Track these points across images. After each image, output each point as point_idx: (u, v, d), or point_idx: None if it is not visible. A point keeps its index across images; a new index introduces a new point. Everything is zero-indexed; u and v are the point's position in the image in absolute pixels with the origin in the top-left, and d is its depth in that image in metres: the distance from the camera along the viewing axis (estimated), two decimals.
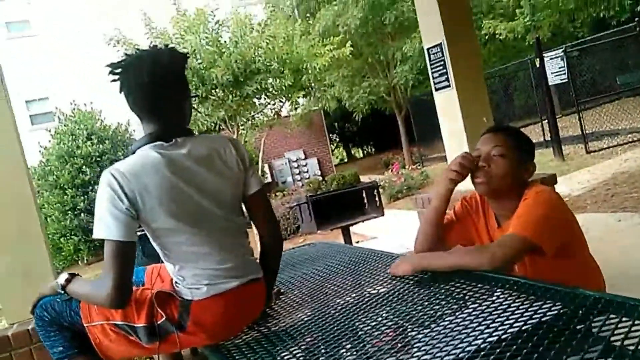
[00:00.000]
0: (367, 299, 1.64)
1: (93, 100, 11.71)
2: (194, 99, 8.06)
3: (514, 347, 1.07)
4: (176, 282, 1.63)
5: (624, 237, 4.40)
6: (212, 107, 8.39)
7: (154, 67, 1.59)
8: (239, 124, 9.21)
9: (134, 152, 1.61)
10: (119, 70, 1.61)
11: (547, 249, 1.51)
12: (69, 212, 11.37)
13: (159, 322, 1.62)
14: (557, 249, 1.54)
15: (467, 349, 1.12)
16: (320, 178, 16.23)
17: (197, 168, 1.61)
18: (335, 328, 1.46)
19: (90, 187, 11.41)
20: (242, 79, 8.18)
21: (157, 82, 1.58)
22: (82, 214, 10.96)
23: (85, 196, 11.17)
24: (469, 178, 1.73)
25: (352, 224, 4.40)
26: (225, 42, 8.48)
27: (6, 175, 2.57)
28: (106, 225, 1.50)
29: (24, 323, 2.46)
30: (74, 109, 11.81)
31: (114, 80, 1.62)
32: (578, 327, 1.12)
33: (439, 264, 1.62)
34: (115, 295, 1.52)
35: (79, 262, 12.98)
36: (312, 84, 9.27)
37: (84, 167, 11.34)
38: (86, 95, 12.16)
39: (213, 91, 8.20)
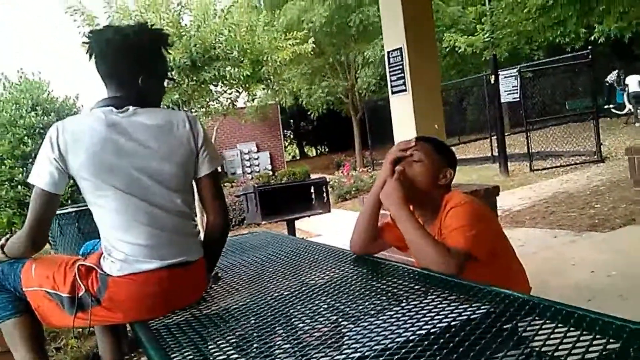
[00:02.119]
0: (304, 290, 1.64)
1: (42, 70, 11.25)
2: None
3: (441, 340, 1.09)
4: (103, 256, 1.62)
5: (557, 252, 4.59)
6: (166, 89, 8.20)
7: (115, 35, 1.65)
8: (192, 110, 9.04)
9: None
10: (90, 36, 1.70)
11: (477, 253, 1.57)
12: (6, 183, 10.88)
13: (79, 294, 1.61)
14: (486, 254, 1.60)
15: (397, 339, 1.14)
16: (271, 172, 16.17)
17: (142, 137, 1.62)
18: (270, 315, 1.45)
19: (31, 160, 10.96)
20: (200, 64, 8.03)
21: (116, 51, 1.65)
22: (19, 186, 10.47)
23: (24, 168, 10.69)
24: None
25: (297, 218, 4.40)
26: (186, 25, 8.31)
27: None
28: (37, 172, 1.58)
29: None
30: (20, 77, 11.28)
31: (86, 43, 1.69)
32: (505, 326, 1.16)
33: (410, 232, 1.62)
34: (27, 239, 1.63)
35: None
36: (271, 77, 9.19)
37: (25, 138, 10.88)
38: (35, 63, 11.71)
39: (169, 73, 8.01)
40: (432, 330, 1.16)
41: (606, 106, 14.49)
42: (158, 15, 8.03)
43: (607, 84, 14.83)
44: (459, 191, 1.83)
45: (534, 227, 5.75)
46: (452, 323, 1.18)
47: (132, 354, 3.25)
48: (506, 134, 11.48)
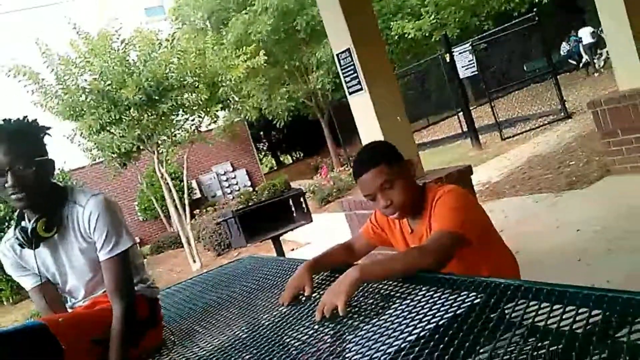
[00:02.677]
0: (294, 312, 1.63)
1: None
2: (109, 122, 7.81)
3: (432, 342, 1.10)
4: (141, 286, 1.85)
5: (540, 217, 4.65)
6: (127, 127, 8.12)
7: None
8: (158, 143, 8.97)
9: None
10: None
11: (470, 236, 1.57)
12: None
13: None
14: (477, 237, 1.61)
15: (388, 350, 1.14)
16: (251, 189, 16.13)
17: None
18: (263, 345, 1.45)
19: (6, 224, 10.77)
20: (155, 97, 7.98)
21: None
22: None
23: (1, 233, 10.50)
24: None
25: (281, 234, 4.40)
26: (133, 60, 8.25)
27: None
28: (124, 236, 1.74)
29: None
30: None
31: None
32: (491, 315, 1.16)
33: (386, 274, 1.53)
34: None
35: (4, 302, 12.23)
36: (230, 96, 9.17)
37: None
38: None
39: (126, 112, 7.94)
40: (421, 334, 1.16)
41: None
42: (101, 57, 7.95)
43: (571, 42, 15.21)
44: (441, 184, 1.83)
45: (514, 196, 5.82)
46: (440, 322, 1.19)
47: None
48: (472, 107, 11.61)
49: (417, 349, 1.10)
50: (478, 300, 1.25)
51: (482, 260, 1.67)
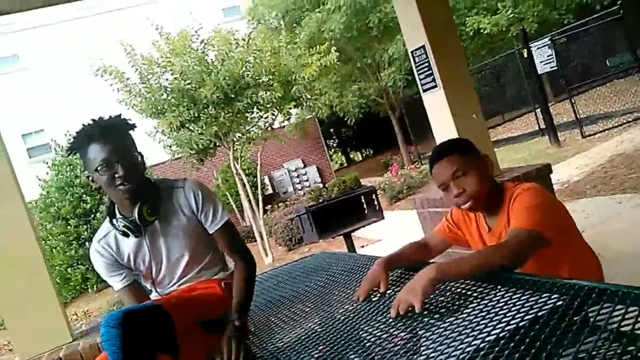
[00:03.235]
0: (370, 307, 1.65)
1: None
2: (188, 120, 8.13)
3: (512, 344, 1.09)
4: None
5: (624, 218, 4.42)
6: (205, 125, 8.41)
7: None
8: (234, 140, 9.23)
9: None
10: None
11: (549, 235, 1.53)
12: (73, 242, 11.37)
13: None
14: (557, 236, 1.56)
15: (467, 349, 1.14)
16: (321, 185, 16.25)
17: None
18: (339, 340, 1.48)
19: (92, 216, 11.39)
20: (232, 95, 8.22)
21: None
22: (86, 243, 10.92)
23: (88, 225, 11.14)
24: None
25: (353, 230, 4.42)
26: (212, 60, 8.53)
27: (6, 214, 2.58)
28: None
29: (35, 359, 2.47)
30: (69, 140, 11.77)
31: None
32: (574, 318, 1.14)
33: (463, 273, 1.50)
34: None
35: (89, 290, 12.97)
36: (302, 94, 9.30)
37: (84, 196, 11.35)
38: (79, 124, 12.13)
39: (204, 110, 8.23)
40: (501, 335, 1.15)
41: None
42: (182, 57, 8.26)
43: None
44: (520, 182, 1.78)
45: (596, 196, 5.56)
46: (520, 324, 1.18)
47: None
48: (550, 104, 11.16)
49: (497, 349, 1.09)
50: (560, 302, 1.22)
51: (562, 261, 1.62)
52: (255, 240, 9.69)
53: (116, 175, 1.69)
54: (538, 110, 11.11)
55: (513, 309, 1.27)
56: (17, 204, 2.61)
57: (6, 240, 2.57)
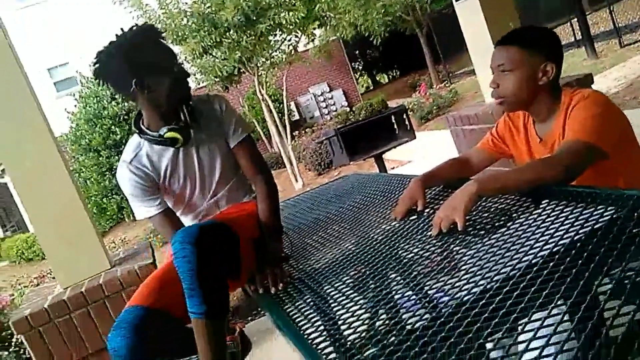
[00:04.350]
0: (407, 226, 1.60)
1: None
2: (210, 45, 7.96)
3: (568, 258, 1.02)
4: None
5: None
6: (227, 50, 8.23)
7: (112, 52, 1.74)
8: (258, 65, 9.05)
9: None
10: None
11: (607, 149, 1.42)
12: (107, 172, 11.57)
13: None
14: (615, 148, 1.45)
15: (518, 265, 1.07)
16: (348, 109, 16.05)
17: None
18: (377, 259, 1.43)
19: (123, 146, 11.51)
20: (253, 17, 7.96)
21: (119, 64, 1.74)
22: None
23: (119, 155, 11.26)
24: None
25: (384, 151, 4.33)
26: None
27: (36, 149, 2.57)
28: None
29: (76, 286, 2.53)
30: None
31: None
32: (634, 230, 1.05)
33: (508, 187, 1.42)
34: None
35: (125, 219, 13.36)
36: (326, 13, 8.95)
37: (113, 127, 11.43)
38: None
39: (226, 34, 8.02)
40: (555, 250, 1.08)
41: None
42: None
43: None
44: (579, 88, 1.62)
45: (636, 108, 5.32)
46: (576, 237, 1.10)
47: None
48: (586, 13, 10.56)
49: (551, 264, 1.02)
50: (619, 214, 1.13)
51: (618, 172, 1.50)
52: (285, 167, 9.72)
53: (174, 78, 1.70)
54: (574, 21, 10.55)
55: (566, 222, 1.19)
56: (46, 139, 2.59)
57: (39, 174, 2.57)
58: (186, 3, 8.14)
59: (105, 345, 2.39)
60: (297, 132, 13.66)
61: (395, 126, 4.37)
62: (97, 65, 1.71)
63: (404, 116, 4.34)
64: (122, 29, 1.71)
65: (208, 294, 1.41)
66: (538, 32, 1.67)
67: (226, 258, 1.51)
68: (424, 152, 7.19)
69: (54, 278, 2.85)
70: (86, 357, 2.46)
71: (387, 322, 1.11)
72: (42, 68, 14.69)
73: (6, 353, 3.29)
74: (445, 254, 1.31)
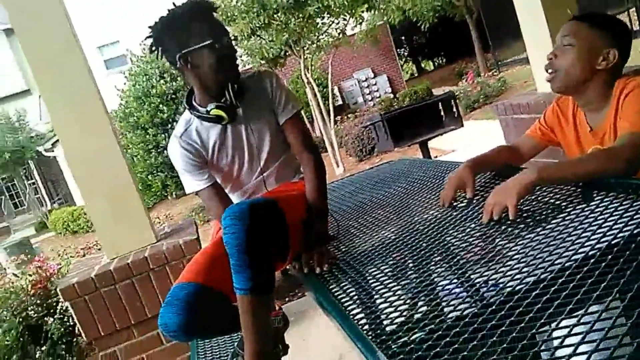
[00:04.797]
0: (454, 213, 1.57)
1: None
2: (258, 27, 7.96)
3: (627, 252, 0.98)
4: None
5: None
6: (275, 32, 8.24)
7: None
8: (304, 48, 9.04)
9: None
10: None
11: None
12: (153, 150, 11.77)
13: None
14: None
15: (574, 257, 1.04)
16: (392, 95, 15.89)
17: None
18: (423, 243, 1.42)
19: (169, 125, 11.69)
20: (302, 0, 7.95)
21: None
22: (165, 151, 11.22)
23: (166, 134, 11.44)
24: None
25: (430, 139, 4.28)
26: None
27: (90, 124, 2.63)
28: None
29: (122, 258, 2.60)
30: (144, 50, 11.87)
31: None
32: None
33: (566, 178, 1.39)
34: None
35: (168, 197, 13.65)
36: None
37: (160, 105, 11.60)
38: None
39: (275, 16, 8.03)
40: (613, 242, 1.04)
41: None
42: None
43: None
44: (633, 76, 1.54)
45: None
46: (635, 231, 1.06)
47: None
48: None
49: (609, 257, 0.99)
50: None
51: None
52: (326, 151, 9.71)
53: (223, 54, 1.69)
54: (632, 11, 10.12)
55: (626, 215, 1.15)
56: (100, 115, 2.65)
57: (92, 149, 2.64)
58: None
59: (148, 316, 2.50)
60: (339, 117, 13.62)
61: (442, 113, 4.30)
62: (150, 39, 1.74)
63: (452, 103, 4.26)
64: (173, 4, 1.73)
65: (255, 272, 1.41)
66: (614, 19, 1.63)
67: (275, 236, 1.50)
68: (469, 140, 7.05)
69: (99, 250, 2.93)
70: (129, 327, 2.53)
71: (434, 306, 1.10)
72: (92, 45, 15.04)
73: (52, 320, 3.41)
74: (495, 243, 1.29)
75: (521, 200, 1.36)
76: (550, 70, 1.59)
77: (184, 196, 12.87)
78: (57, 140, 15.35)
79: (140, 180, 12.58)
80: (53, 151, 16.91)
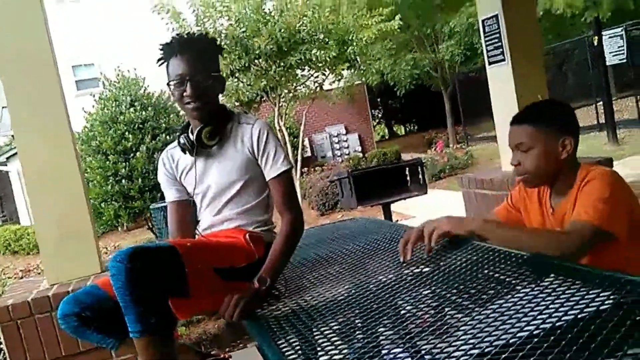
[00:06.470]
0: (409, 278, 1.58)
1: (137, 67, 11.63)
2: (238, 69, 8.06)
3: (570, 335, 1.00)
4: (266, 229, 1.89)
5: None
6: (254, 77, 8.36)
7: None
8: (280, 96, 9.16)
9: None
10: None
11: (617, 231, 1.42)
12: (111, 177, 11.43)
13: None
14: (628, 233, 1.45)
15: (519, 334, 1.05)
16: (361, 154, 16.11)
17: None
18: (374, 305, 1.41)
19: (132, 154, 11.48)
20: (285, 49, 8.11)
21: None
22: (123, 180, 10.97)
23: (127, 162, 11.18)
24: None
25: (393, 201, 4.33)
26: (269, 10, 8.40)
27: (53, 143, 2.58)
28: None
29: (63, 285, 2.50)
30: (118, 75, 11.76)
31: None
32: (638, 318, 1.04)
33: (508, 240, 1.44)
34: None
35: (119, 228, 13.25)
36: (357, 57, 9.09)
37: (126, 133, 11.36)
38: (130, 61, 12.12)
39: (256, 61, 8.17)
40: (557, 324, 1.06)
41: None
42: (240, 4, 8.16)
43: None
44: (597, 165, 1.63)
45: None
46: (580, 316, 1.08)
47: None
48: (613, 99, 10.67)
49: (552, 338, 1.00)
50: (625, 300, 1.12)
51: (630, 258, 1.49)
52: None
53: (184, 94, 1.73)
54: (599, 104, 10.66)
55: (571, 299, 1.17)
56: (65, 134, 2.61)
57: (51, 167, 2.58)
58: (222, 25, 8.31)
59: (80, 350, 2.38)
60: (306, 168, 13.70)
61: (409, 178, 4.37)
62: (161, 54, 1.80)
63: (419, 169, 4.34)
64: (179, 34, 1.85)
65: (141, 312, 1.41)
66: (551, 106, 1.70)
67: (166, 282, 1.48)
68: (431, 208, 7.16)
69: (39, 274, 2.82)
70: (59, 358, 2.41)
71: None
72: (67, 64, 14.91)
73: None
74: (444, 312, 1.29)
75: (469, 276, 1.38)
76: (519, 177, 1.65)
77: (135, 229, 12.56)
78: (13, 155, 14.94)
79: (93, 207, 12.15)
80: (6, 165, 16.37)
